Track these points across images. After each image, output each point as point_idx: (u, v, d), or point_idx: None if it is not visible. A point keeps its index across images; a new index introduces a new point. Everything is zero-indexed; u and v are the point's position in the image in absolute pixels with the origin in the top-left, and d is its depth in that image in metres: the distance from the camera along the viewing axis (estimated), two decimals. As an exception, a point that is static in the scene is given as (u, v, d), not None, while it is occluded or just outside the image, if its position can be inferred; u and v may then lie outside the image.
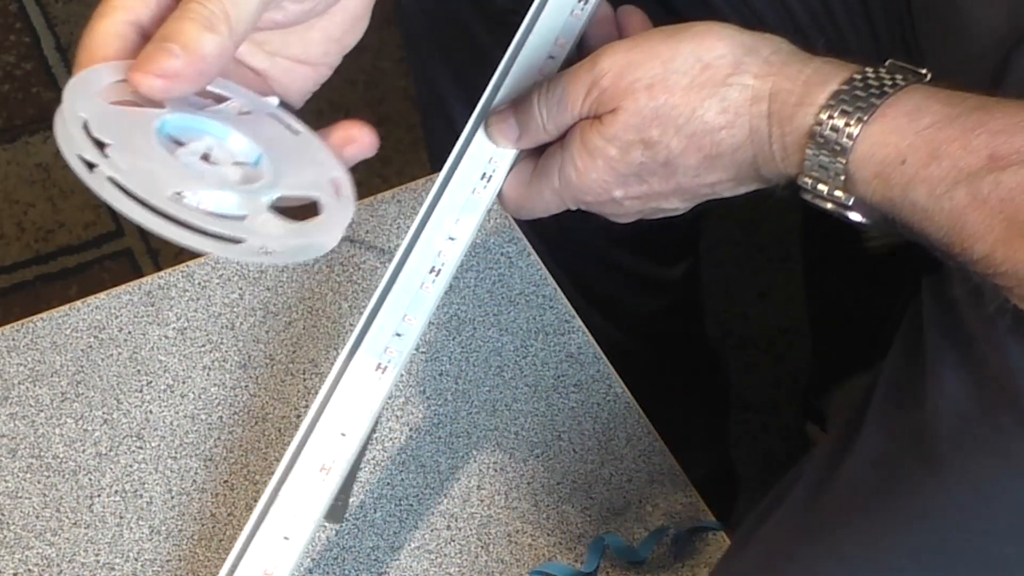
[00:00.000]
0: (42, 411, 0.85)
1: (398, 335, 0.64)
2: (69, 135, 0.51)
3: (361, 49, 0.66)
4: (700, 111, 0.61)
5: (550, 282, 0.91)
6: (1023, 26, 0.66)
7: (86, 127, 0.52)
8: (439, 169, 0.67)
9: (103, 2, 0.56)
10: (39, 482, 0.82)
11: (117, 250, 1.55)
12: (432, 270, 0.65)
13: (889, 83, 0.58)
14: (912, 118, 0.56)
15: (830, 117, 0.57)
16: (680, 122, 0.61)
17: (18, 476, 0.82)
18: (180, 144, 0.55)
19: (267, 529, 0.62)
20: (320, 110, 0.67)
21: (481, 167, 0.67)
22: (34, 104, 1.64)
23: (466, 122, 0.68)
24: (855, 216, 0.59)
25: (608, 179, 0.64)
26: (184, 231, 0.51)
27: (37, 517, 0.81)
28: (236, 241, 0.52)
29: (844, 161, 0.57)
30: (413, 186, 0.95)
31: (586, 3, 0.69)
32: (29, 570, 0.79)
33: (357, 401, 0.64)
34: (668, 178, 0.63)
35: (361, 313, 0.65)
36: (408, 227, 0.66)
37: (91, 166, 0.51)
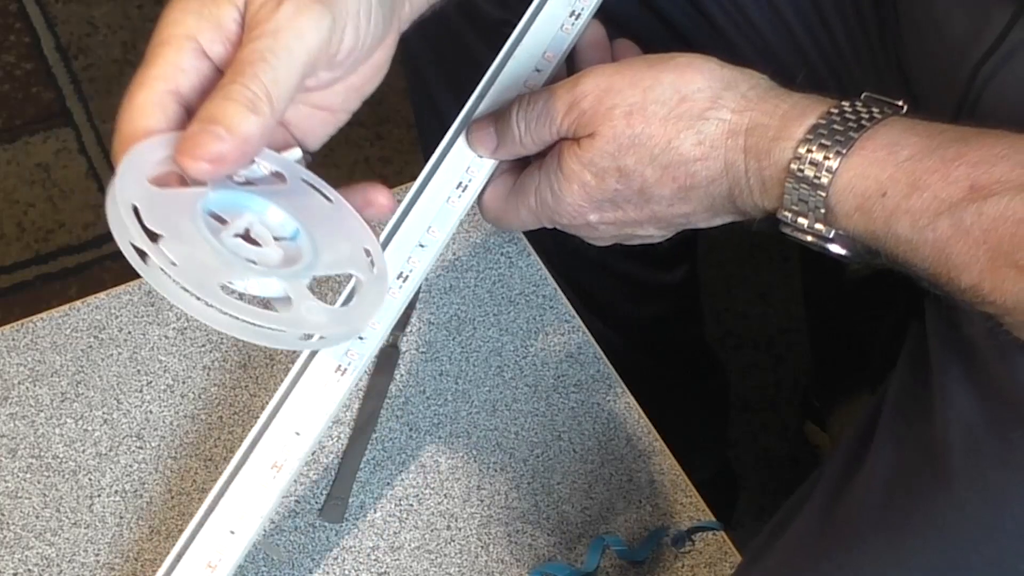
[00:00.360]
0: (42, 411, 0.85)
1: (361, 337, 0.64)
2: (122, 224, 0.53)
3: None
4: (676, 142, 0.61)
5: (550, 282, 0.91)
6: (991, 40, 0.67)
7: (137, 214, 0.53)
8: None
9: (141, 71, 0.56)
10: (39, 482, 0.82)
11: (117, 250, 1.54)
12: (400, 276, 0.65)
13: (866, 116, 0.58)
14: (891, 151, 0.56)
15: (808, 151, 0.58)
16: (656, 152, 0.61)
17: (18, 476, 0.82)
18: (222, 221, 0.56)
19: (214, 522, 0.62)
20: (320, 110, 0.67)
21: (458, 176, 0.67)
22: (34, 104, 1.64)
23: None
24: (835, 249, 0.59)
25: (583, 204, 0.64)
26: (234, 322, 0.52)
27: (37, 517, 0.81)
28: (283, 331, 0.54)
29: (824, 195, 0.57)
30: (413, 186, 0.95)
31: (576, 19, 0.69)
32: (29, 570, 0.79)
33: (314, 401, 0.63)
34: (642, 206, 0.63)
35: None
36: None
37: (142, 254, 0.52)
